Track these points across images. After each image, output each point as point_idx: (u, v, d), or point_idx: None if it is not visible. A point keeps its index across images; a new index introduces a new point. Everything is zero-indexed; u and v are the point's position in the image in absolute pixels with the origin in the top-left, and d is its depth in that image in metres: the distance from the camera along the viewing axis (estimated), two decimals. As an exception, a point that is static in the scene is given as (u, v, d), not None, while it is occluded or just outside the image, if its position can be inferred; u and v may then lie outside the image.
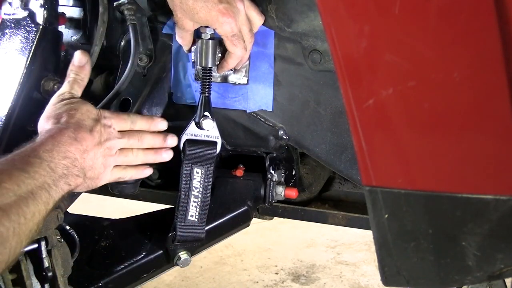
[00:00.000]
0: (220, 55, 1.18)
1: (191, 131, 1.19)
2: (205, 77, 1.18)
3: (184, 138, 1.19)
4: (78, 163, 0.99)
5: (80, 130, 1.01)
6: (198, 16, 1.08)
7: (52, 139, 0.97)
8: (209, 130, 1.20)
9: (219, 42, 1.17)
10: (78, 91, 1.11)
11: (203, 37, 1.15)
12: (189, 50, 1.21)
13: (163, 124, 1.19)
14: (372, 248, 2.50)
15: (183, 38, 1.18)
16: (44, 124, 1.04)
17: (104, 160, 1.06)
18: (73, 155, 0.98)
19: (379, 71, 0.84)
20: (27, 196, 0.85)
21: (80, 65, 1.13)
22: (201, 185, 1.19)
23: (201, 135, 1.20)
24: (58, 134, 0.98)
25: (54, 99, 1.08)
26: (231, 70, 1.23)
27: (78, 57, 1.13)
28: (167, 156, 1.18)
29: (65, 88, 1.10)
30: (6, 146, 1.12)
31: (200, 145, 1.19)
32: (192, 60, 1.21)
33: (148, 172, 1.18)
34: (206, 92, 1.19)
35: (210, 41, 1.15)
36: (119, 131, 1.10)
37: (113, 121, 1.09)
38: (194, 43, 1.19)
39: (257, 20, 1.14)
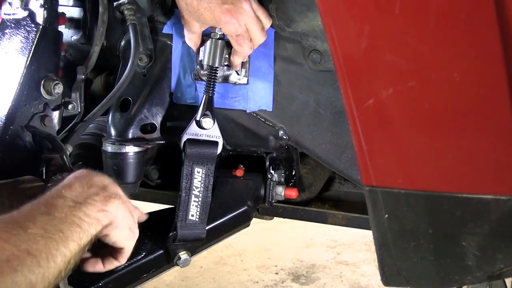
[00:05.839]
0: (227, 56, 1.19)
1: (192, 131, 1.19)
2: (210, 76, 1.19)
3: (184, 137, 1.19)
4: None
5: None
6: (203, 17, 1.10)
7: (78, 179, 0.92)
8: (210, 130, 1.20)
9: (227, 44, 1.17)
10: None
11: (212, 37, 1.16)
12: (198, 51, 1.21)
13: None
14: (372, 248, 2.50)
15: (191, 40, 1.20)
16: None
17: None
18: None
19: (379, 71, 0.84)
20: (56, 237, 0.81)
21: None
22: (202, 185, 1.19)
23: (202, 134, 1.20)
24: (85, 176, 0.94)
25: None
26: (232, 70, 1.24)
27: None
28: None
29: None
30: (7, 146, 1.11)
31: (201, 144, 1.19)
32: (200, 59, 1.21)
33: None
34: (210, 92, 1.19)
35: (219, 41, 1.16)
36: None
37: None
38: (202, 43, 1.20)
39: (265, 22, 1.14)
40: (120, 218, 0.94)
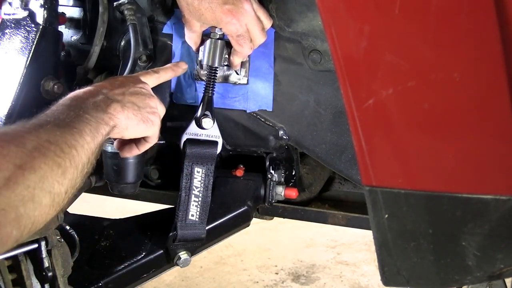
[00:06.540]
0: (227, 56, 1.19)
1: (192, 131, 1.20)
2: (210, 76, 1.19)
3: (184, 137, 1.19)
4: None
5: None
6: (204, 17, 1.10)
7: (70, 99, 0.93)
8: (210, 129, 1.20)
9: (226, 44, 1.17)
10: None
11: (212, 37, 1.16)
12: (197, 50, 1.21)
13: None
14: (372, 248, 2.50)
15: (191, 39, 1.20)
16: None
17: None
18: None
19: (379, 71, 0.84)
20: (71, 131, 0.83)
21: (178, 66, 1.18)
22: (202, 185, 1.19)
23: (201, 134, 1.20)
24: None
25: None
26: (232, 70, 1.24)
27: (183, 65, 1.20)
28: None
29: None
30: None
31: (200, 144, 1.20)
32: (199, 59, 1.22)
33: None
34: (210, 92, 1.20)
35: (219, 41, 1.17)
36: None
37: None
38: (202, 43, 1.20)
39: (266, 22, 1.14)
40: (124, 118, 0.96)
